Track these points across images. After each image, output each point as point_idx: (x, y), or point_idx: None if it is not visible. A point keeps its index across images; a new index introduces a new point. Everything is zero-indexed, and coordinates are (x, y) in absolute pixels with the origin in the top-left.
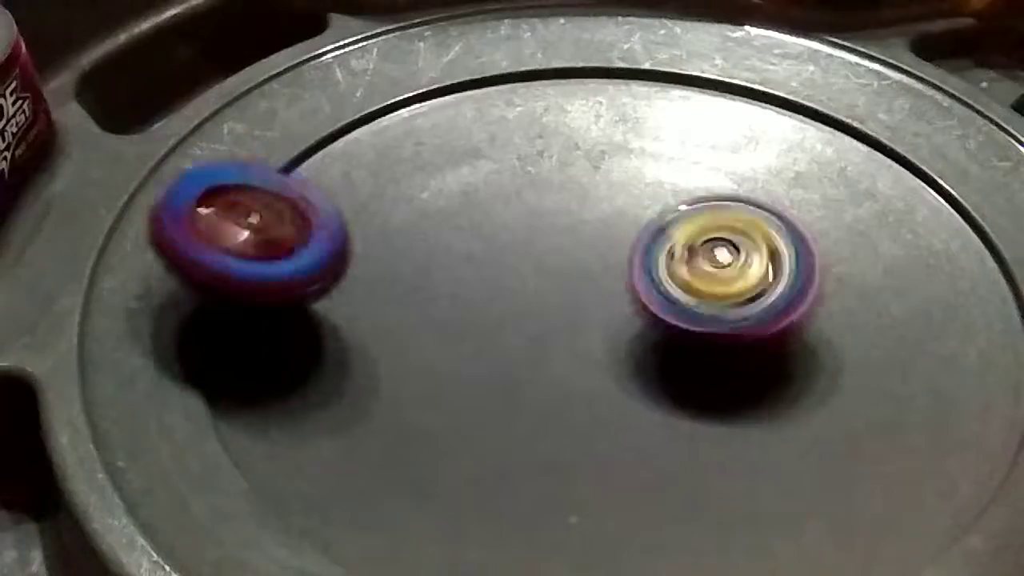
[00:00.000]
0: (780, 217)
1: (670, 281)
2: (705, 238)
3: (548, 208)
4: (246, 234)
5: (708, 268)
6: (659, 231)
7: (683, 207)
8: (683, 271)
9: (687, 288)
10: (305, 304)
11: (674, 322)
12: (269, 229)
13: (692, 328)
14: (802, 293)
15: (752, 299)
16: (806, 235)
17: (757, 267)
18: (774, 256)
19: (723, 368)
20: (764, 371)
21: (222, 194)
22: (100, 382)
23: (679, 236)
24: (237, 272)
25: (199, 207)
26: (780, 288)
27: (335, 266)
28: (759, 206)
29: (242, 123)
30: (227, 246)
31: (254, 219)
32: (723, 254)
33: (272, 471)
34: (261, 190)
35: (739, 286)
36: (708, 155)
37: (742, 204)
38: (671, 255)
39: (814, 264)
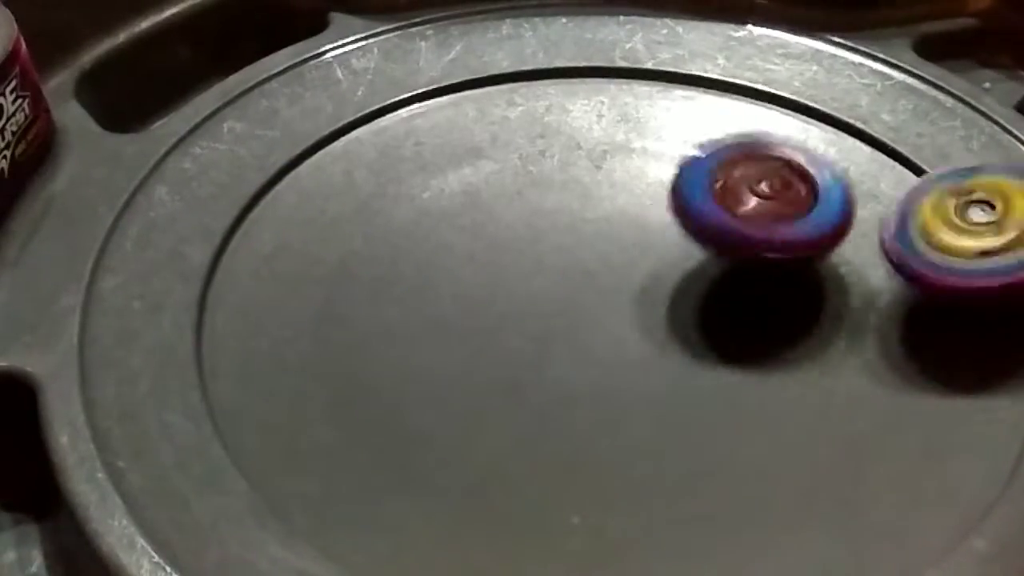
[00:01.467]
0: None
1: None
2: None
3: (550, 207)
4: (756, 201)
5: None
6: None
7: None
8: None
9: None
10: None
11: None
12: (779, 196)
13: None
14: None
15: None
16: None
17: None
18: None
19: (723, 369)
20: (764, 372)
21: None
22: (100, 382)
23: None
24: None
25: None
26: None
27: (836, 233)
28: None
29: (243, 122)
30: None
31: (764, 187)
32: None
33: (272, 471)
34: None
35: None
36: None
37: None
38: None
39: None
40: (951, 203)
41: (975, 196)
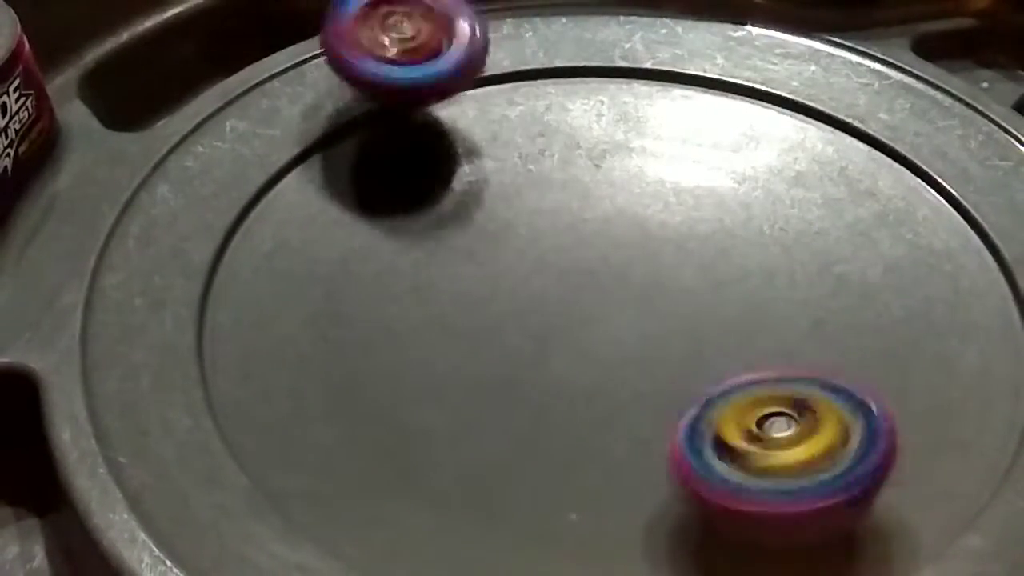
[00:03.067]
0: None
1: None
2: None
3: (549, 206)
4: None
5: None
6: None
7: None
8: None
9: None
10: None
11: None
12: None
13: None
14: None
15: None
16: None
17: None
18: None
19: (722, 369)
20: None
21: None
22: (102, 378)
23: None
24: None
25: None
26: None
27: (469, 69)
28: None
29: (244, 121)
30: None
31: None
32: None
33: (272, 468)
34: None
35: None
36: (709, 154)
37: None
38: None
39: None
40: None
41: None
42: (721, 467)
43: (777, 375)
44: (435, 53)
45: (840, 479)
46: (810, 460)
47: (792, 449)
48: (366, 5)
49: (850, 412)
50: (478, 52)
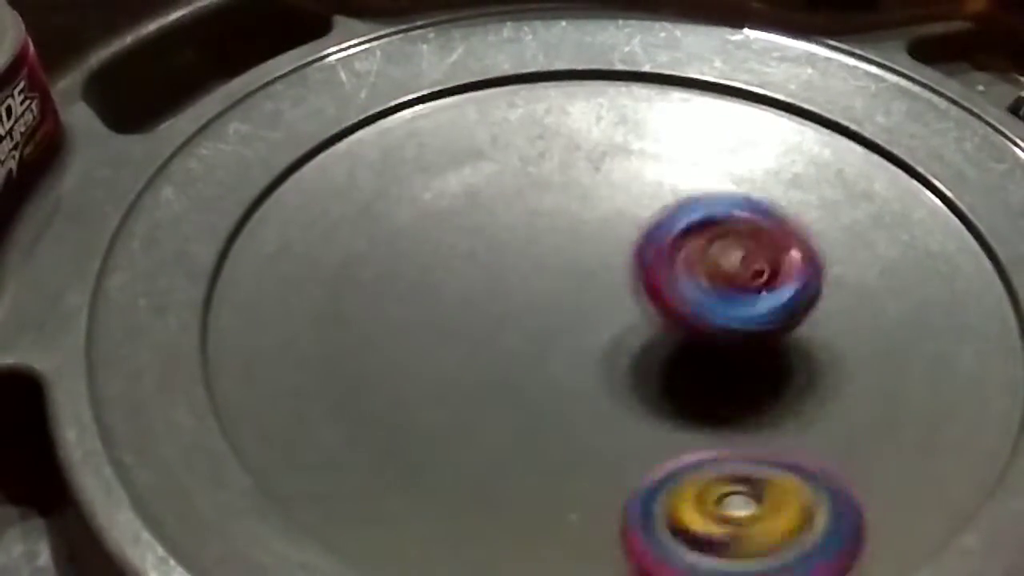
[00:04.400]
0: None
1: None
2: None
3: (549, 208)
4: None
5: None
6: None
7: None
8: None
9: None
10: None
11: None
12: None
13: None
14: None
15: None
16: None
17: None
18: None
19: (722, 369)
20: (762, 372)
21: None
22: (107, 379)
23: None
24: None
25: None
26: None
27: (799, 312)
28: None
29: (247, 123)
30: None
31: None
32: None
33: (276, 468)
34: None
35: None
36: (707, 156)
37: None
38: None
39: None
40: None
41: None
42: (688, 555)
43: (724, 456)
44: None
45: (819, 553)
46: (780, 537)
47: (761, 529)
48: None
49: (808, 485)
50: (811, 292)
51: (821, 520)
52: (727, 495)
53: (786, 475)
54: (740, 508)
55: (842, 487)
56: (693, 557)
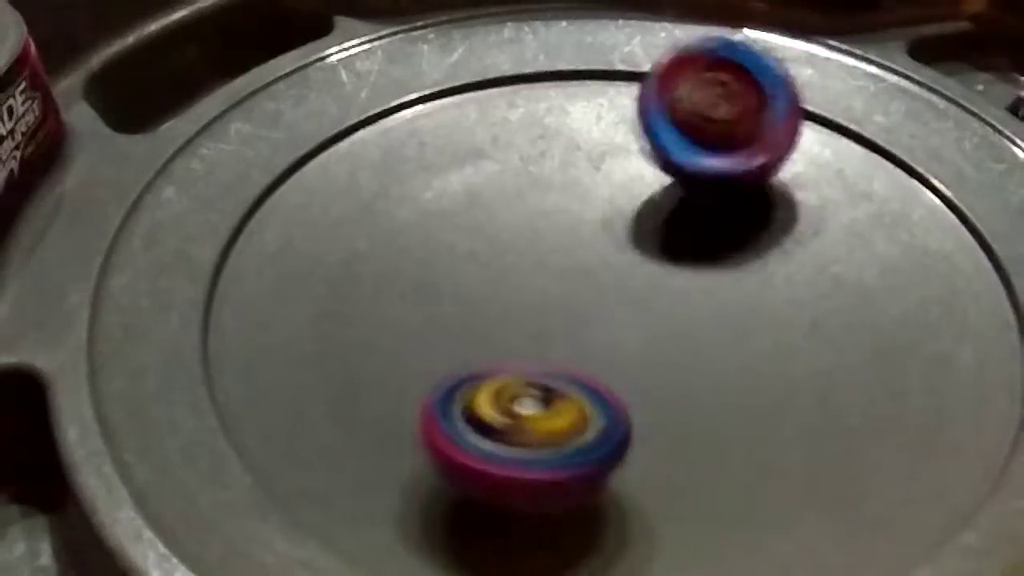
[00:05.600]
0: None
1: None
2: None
3: (550, 208)
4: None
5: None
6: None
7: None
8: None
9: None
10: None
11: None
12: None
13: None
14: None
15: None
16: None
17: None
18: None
19: (723, 368)
20: (762, 371)
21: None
22: (109, 378)
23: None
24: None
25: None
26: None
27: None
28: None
29: (249, 123)
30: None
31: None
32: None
33: (277, 466)
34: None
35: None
36: None
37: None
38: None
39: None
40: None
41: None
42: (472, 436)
43: (531, 368)
44: (743, 143)
45: (579, 455)
46: (552, 435)
47: (538, 425)
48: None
49: (591, 401)
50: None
51: (594, 429)
52: (520, 396)
53: (576, 388)
54: (528, 408)
55: (620, 410)
56: (475, 438)
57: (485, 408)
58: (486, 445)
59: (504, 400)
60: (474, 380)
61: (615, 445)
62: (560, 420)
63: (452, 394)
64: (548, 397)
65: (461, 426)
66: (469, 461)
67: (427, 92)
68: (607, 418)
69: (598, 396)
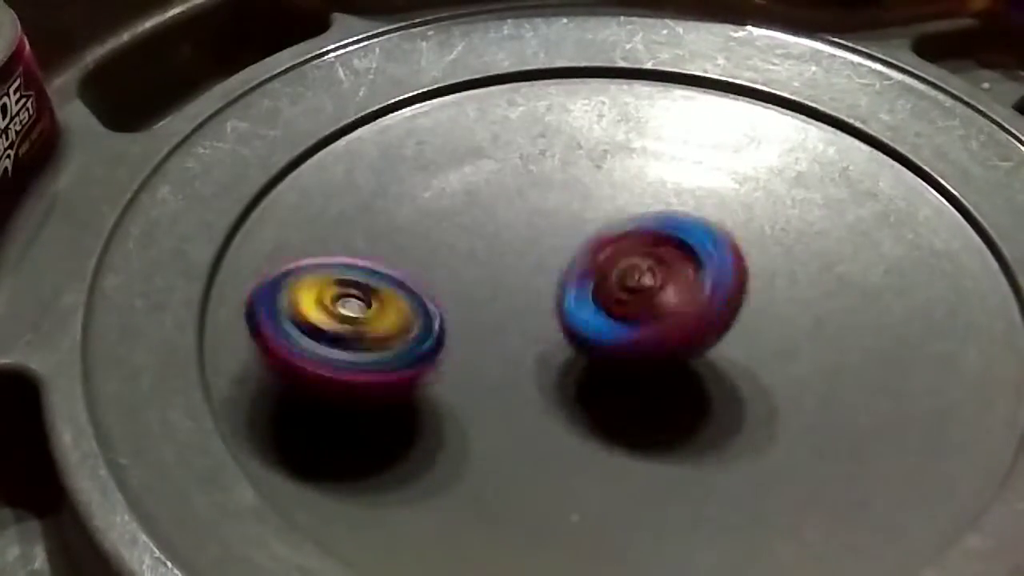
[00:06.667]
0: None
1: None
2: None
3: (550, 207)
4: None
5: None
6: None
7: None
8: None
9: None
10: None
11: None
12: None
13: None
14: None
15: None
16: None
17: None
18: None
19: (723, 368)
20: (765, 371)
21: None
22: (103, 379)
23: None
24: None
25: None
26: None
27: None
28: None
29: (245, 121)
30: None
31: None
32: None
33: (273, 469)
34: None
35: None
36: (710, 155)
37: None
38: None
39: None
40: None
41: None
42: (310, 342)
43: (345, 262)
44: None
45: (403, 357)
46: (391, 335)
47: (372, 325)
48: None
49: (411, 306)
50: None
51: (416, 326)
52: (342, 296)
53: (388, 286)
54: (354, 310)
55: (429, 298)
56: (324, 349)
57: (315, 313)
58: (332, 353)
59: (329, 304)
60: (286, 279)
61: (439, 335)
62: (389, 320)
63: (273, 304)
64: (366, 296)
65: (301, 338)
66: (321, 371)
67: (426, 90)
68: (421, 311)
69: (404, 288)
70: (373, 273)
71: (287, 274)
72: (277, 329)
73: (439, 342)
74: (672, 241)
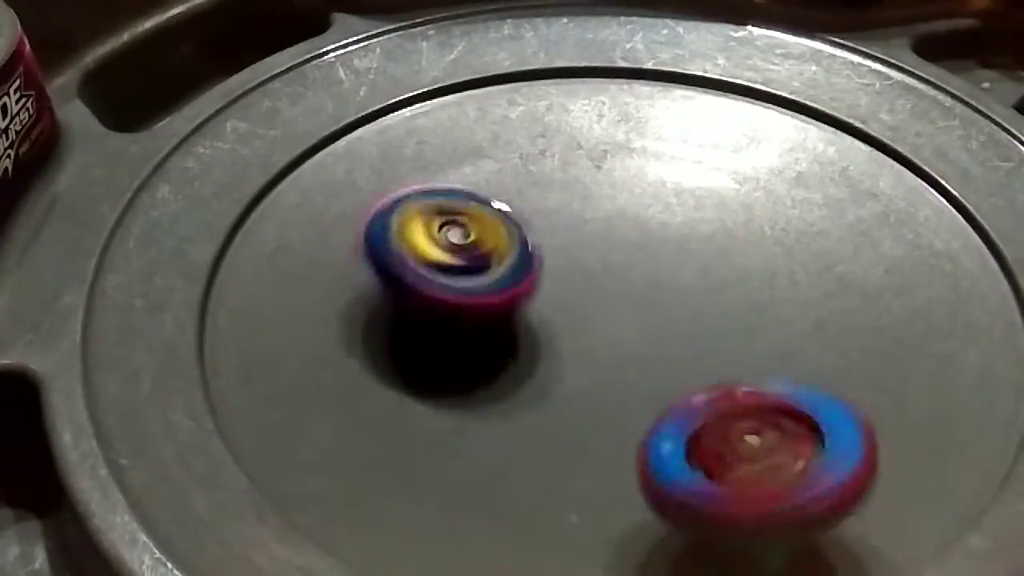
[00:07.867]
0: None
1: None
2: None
3: (550, 207)
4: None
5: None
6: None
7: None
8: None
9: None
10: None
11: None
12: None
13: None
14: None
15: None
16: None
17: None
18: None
19: (723, 368)
20: (766, 371)
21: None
22: (103, 380)
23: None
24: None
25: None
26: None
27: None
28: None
29: (245, 122)
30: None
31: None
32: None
33: (273, 469)
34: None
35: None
36: (710, 154)
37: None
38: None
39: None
40: (433, 221)
41: (453, 218)
42: (439, 275)
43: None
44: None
45: (496, 284)
46: (499, 256)
47: (483, 248)
48: None
49: (495, 214)
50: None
51: (517, 242)
52: (444, 225)
53: (479, 207)
54: (458, 237)
55: (512, 215)
56: (445, 278)
57: (432, 250)
58: (465, 282)
59: (434, 233)
60: (389, 214)
61: (532, 251)
62: (492, 240)
63: (385, 236)
64: (462, 222)
65: (423, 270)
66: (450, 298)
67: (426, 90)
68: (516, 228)
69: (493, 208)
70: (457, 197)
71: (390, 209)
72: (404, 268)
73: (534, 256)
74: (802, 417)
